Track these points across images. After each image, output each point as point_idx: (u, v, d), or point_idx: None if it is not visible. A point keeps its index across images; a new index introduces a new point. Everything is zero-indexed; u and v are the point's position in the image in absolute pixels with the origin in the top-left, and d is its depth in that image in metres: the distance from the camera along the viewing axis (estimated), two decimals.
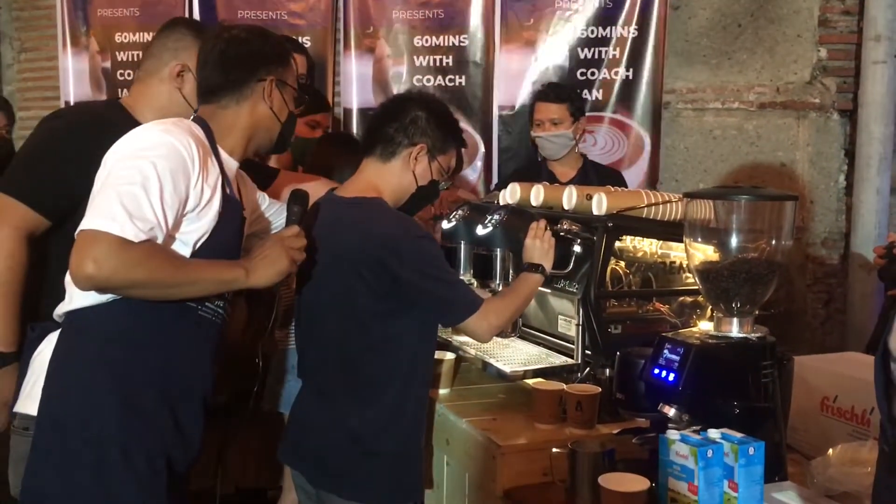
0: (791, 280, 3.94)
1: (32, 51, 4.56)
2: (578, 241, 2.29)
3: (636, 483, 1.65)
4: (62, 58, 4.26)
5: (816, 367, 2.14)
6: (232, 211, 1.80)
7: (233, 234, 1.82)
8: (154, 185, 1.62)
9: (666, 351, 1.77)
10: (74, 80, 4.26)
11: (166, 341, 1.75)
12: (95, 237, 1.57)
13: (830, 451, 1.72)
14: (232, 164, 1.87)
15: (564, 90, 3.37)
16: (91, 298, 1.69)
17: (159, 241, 1.64)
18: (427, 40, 4.02)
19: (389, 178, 2.08)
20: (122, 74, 4.22)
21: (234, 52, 1.87)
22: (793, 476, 1.84)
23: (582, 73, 3.95)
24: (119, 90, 4.22)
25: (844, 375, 2.05)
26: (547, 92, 3.36)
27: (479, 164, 4.02)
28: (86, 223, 1.59)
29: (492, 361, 2.37)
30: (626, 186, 3.53)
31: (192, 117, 1.87)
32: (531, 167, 3.51)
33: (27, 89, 4.58)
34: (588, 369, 2.27)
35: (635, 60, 3.89)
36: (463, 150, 3.47)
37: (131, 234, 1.57)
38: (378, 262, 1.93)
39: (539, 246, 2.21)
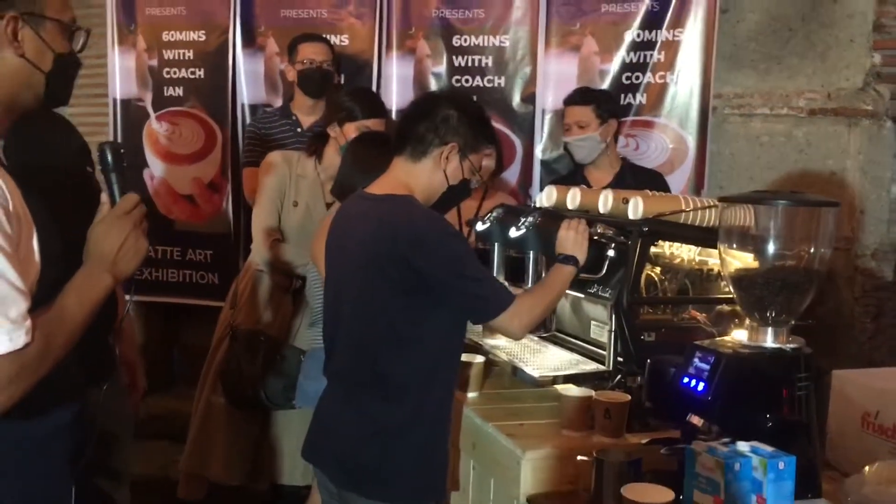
0: (838, 292, 3.82)
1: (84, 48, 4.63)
2: (613, 245, 2.25)
3: (660, 494, 1.60)
4: (110, 56, 4.33)
5: (857, 382, 2.06)
6: (35, 206, 1.41)
7: (52, 232, 1.44)
8: None
9: (696, 360, 1.72)
10: (121, 78, 4.33)
11: None
12: None
13: (867, 468, 1.64)
14: None
15: (591, 92, 3.34)
16: None
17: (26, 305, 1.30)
18: (466, 40, 3.99)
19: (420, 176, 2.06)
20: (168, 73, 4.28)
21: None
22: (829, 494, 1.77)
23: (627, 78, 3.88)
24: (165, 88, 4.28)
25: (886, 391, 1.96)
26: (573, 95, 3.34)
27: (517, 167, 3.98)
28: None
29: (521, 366, 2.34)
30: (668, 187, 3.47)
31: None
32: (572, 175, 3.47)
33: (77, 87, 4.61)
34: (619, 377, 2.22)
35: (682, 64, 3.81)
36: (502, 153, 3.49)
37: (7, 342, 1.27)
38: (404, 260, 1.91)
39: (573, 237, 2.17)
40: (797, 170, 3.78)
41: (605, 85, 3.82)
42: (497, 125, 3.71)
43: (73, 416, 1.47)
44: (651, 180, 3.31)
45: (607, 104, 3.34)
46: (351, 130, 3.10)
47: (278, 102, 4.07)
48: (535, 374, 2.26)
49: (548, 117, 3.95)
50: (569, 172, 3.58)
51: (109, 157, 1.50)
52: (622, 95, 3.83)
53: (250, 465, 3.32)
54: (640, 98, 3.87)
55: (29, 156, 1.49)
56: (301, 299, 3.16)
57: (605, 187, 3.17)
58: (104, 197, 1.50)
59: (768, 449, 1.55)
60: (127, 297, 1.95)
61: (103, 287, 1.44)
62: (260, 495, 3.47)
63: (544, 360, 2.43)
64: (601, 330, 2.37)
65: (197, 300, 4.28)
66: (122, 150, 1.53)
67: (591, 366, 2.33)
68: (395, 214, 1.97)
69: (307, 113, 3.71)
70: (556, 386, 2.23)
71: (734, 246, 1.77)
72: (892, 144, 3.71)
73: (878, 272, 3.75)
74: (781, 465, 1.52)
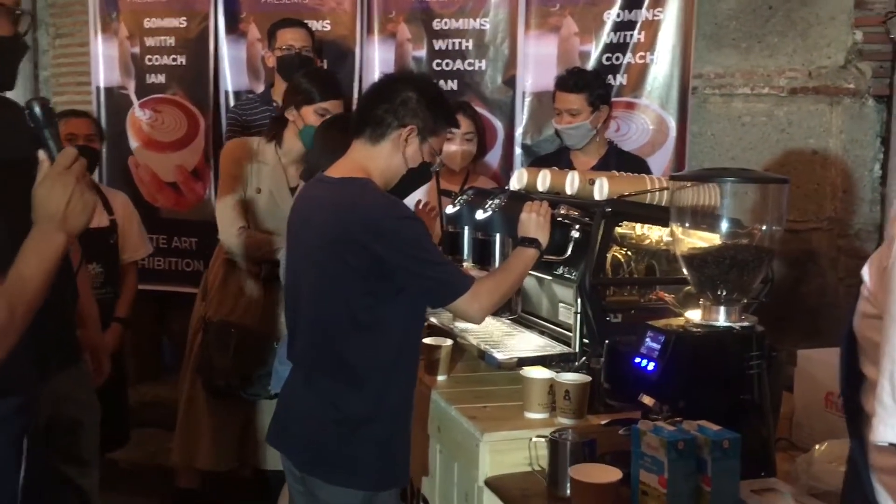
0: (822, 273, 3.81)
1: (66, 36, 4.63)
2: (577, 226, 2.23)
3: (608, 474, 1.60)
4: (93, 43, 4.32)
5: (821, 361, 2.06)
6: None
7: (2, 220, 1.48)
8: None
9: (648, 339, 1.72)
10: (105, 65, 4.33)
11: None
12: None
13: (816, 447, 1.64)
14: None
15: (583, 78, 3.28)
16: None
17: None
18: (446, 23, 3.97)
19: (378, 159, 2.05)
20: (150, 60, 4.27)
21: None
22: (788, 473, 1.77)
23: (608, 59, 3.86)
24: (147, 75, 4.28)
25: None
26: (566, 80, 3.28)
27: (499, 150, 3.96)
28: None
29: (488, 349, 2.33)
30: (650, 174, 3.44)
31: None
32: (555, 154, 3.45)
33: (61, 74, 4.66)
34: (584, 358, 2.21)
35: (662, 44, 3.78)
36: (484, 136, 3.48)
37: None
38: (360, 244, 1.91)
39: (535, 220, 2.15)
40: (779, 150, 3.76)
41: (586, 66, 3.79)
42: (478, 108, 3.69)
43: (18, 405, 1.46)
44: (634, 166, 3.28)
45: (599, 89, 3.27)
46: (309, 113, 3.07)
47: (261, 89, 4.06)
48: (501, 356, 2.26)
49: (528, 100, 3.93)
50: (555, 150, 3.55)
51: (39, 113, 1.47)
52: (603, 77, 3.80)
53: (237, 451, 3.33)
54: (621, 79, 3.85)
55: None
56: (273, 286, 3.16)
57: (589, 170, 3.17)
58: (42, 154, 1.48)
59: (714, 428, 1.55)
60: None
61: (58, 246, 1.44)
62: (252, 481, 3.49)
63: (514, 343, 2.42)
64: (568, 312, 2.36)
65: (184, 287, 4.28)
66: (50, 105, 1.50)
67: (558, 348, 2.33)
68: (351, 199, 1.96)
69: None
70: (521, 368, 2.22)
71: (686, 225, 1.76)
72: (874, 123, 3.68)
73: (862, 252, 3.73)
74: (726, 444, 1.51)
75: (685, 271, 1.79)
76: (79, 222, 1.46)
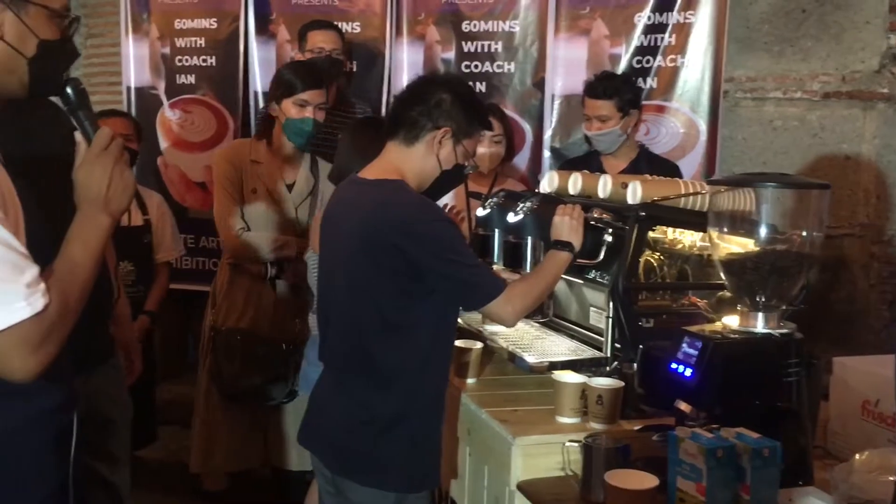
0: (853, 279, 3.76)
1: (98, 37, 4.67)
2: (610, 230, 2.22)
3: (644, 480, 1.59)
4: (124, 44, 4.35)
5: (858, 369, 2.03)
6: (24, 192, 1.42)
7: (40, 220, 1.44)
8: None
9: (685, 345, 1.70)
10: (135, 65, 4.36)
11: None
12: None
13: (857, 456, 1.62)
14: None
15: (612, 84, 3.25)
16: None
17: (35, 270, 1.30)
18: (476, 26, 3.96)
19: (412, 161, 2.05)
20: (180, 60, 4.30)
21: None
22: (825, 482, 1.74)
23: (638, 62, 3.84)
24: (177, 76, 4.30)
25: (887, 379, 1.92)
26: (594, 87, 3.25)
27: (527, 153, 3.95)
28: None
29: (519, 353, 2.32)
30: (681, 178, 3.41)
31: None
32: (585, 158, 3.43)
33: (92, 74, 4.69)
34: (616, 363, 2.20)
35: (693, 48, 3.76)
36: (513, 138, 3.47)
37: (27, 308, 1.28)
38: (394, 246, 1.90)
39: (568, 223, 2.14)
40: (811, 154, 3.72)
41: (616, 69, 3.77)
42: (506, 110, 3.68)
43: (59, 401, 1.47)
44: (665, 170, 3.25)
45: (629, 94, 3.24)
46: (289, 107, 3.07)
47: None
48: (532, 360, 2.25)
49: (557, 103, 3.92)
50: (585, 154, 3.54)
51: (72, 95, 1.45)
52: (633, 80, 3.78)
53: (256, 453, 3.34)
54: (651, 82, 3.82)
55: (12, 143, 1.49)
56: (284, 288, 3.17)
57: (619, 173, 3.15)
58: (78, 136, 1.46)
59: (753, 436, 1.53)
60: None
61: (103, 228, 1.43)
62: (274, 481, 3.50)
63: (545, 346, 2.41)
64: (600, 316, 2.34)
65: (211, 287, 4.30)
66: (82, 86, 1.47)
67: (589, 352, 2.32)
68: (386, 200, 1.96)
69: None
70: (551, 372, 2.21)
71: (724, 230, 1.74)
72: None
73: (895, 259, 3.68)
74: (766, 453, 1.49)
75: (723, 276, 1.77)
76: (121, 203, 1.45)
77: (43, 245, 1.40)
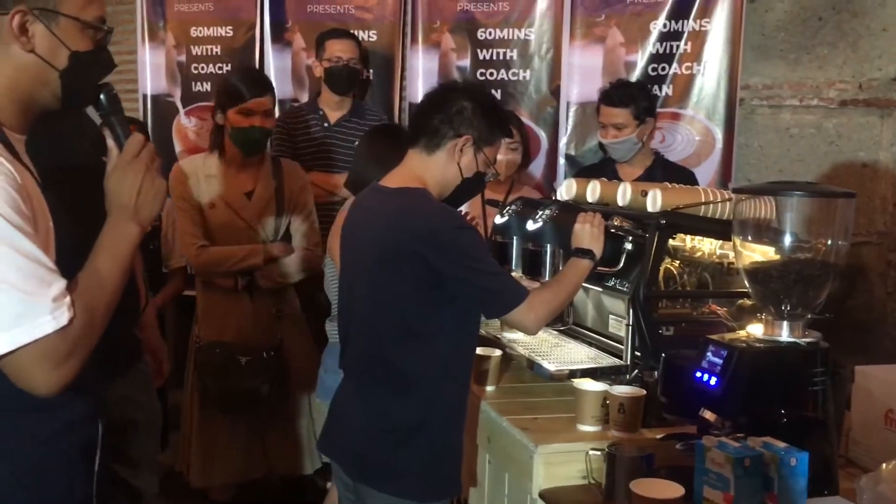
0: (871, 287, 3.74)
1: (114, 44, 4.58)
2: (630, 238, 2.22)
3: (670, 490, 1.58)
4: (140, 51, 4.36)
5: (881, 378, 2.02)
6: (53, 203, 1.40)
7: (70, 231, 1.43)
8: (12, 233, 1.24)
9: (709, 354, 1.70)
10: (151, 73, 4.37)
11: None
12: (20, 360, 1.26)
13: (884, 465, 1.61)
14: (18, 139, 1.41)
15: (628, 92, 3.25)
16: None
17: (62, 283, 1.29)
18: (491, 33, 3.97)
19: (434, 169, 2.05)
20: (196, 68, 4.31)
21: None
22: (848, 491, 1.74)
23: (653, 69, 3.84)
24: (193, 84, 4.32)
25: None
26: (610, 94, 3.25)
27: (542, 160, 3.95)
28: None
29: (538, 360, 2.32)
30: (697, 185, 3.41)
31: None
32: (600, 165, 3.43)
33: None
34: (636, 371, 2.19)
35: (709, 55, 3.76)
36: (528, 146, 3.47)
37: (52, 322, 1.26)
38: (417, 254, 1.91)
39: (588, 230, 2.14)
40: (828, 162, 3.71)
41: (631, 77, 3.77)
42: (522, 118, 3.69)
43: (85, 412, 1.46)
44: (681, 177, 3.24)
45: (644, 101, 3.24)
46: (235, 116, 3.08)
47: (305, 97, 4.09)
48: (552, 368, 2.25)
49: (573, 110, 3.92)
50: (600, 161, 3.54)
51: (105, 101, 1.45)
52: (648, 88, 3.78)
53: (257, 462, 3.34)
54: (667, 89, 3.82)
55: (43, 154, 1.50)
56: (259, 295, 3.19)
57: (634, 181, 3.15)
58: (110, 142, 1.45)
59: (781, 445, 1.52)
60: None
61: (131, 237, 1.42)
62: (282, 488, 3.50)
63: (563, 354, 2.41)
64: (619, 324, 2.34)
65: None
66: (114, 92, 1.47)
67: (609, 360, 2.31)
68: (408, 208, 1.96)
69: (334, 108, 3.74)
70: (572, 380, 2.21)
71: (749, 238, 1.74)
72: None
73: None
74: (793, 462, 1.49)
75: (747, 285, 1.76)
76: (151, 211, 1.44)
77: (74, 255, 1.39)
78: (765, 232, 1.70)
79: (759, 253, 1.79)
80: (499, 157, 3.22)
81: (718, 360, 1.66)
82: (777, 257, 1.74)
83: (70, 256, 1.37)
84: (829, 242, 1.67)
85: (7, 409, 1.34)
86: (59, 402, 1.35)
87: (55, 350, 1.27)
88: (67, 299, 1.28)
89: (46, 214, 1.36)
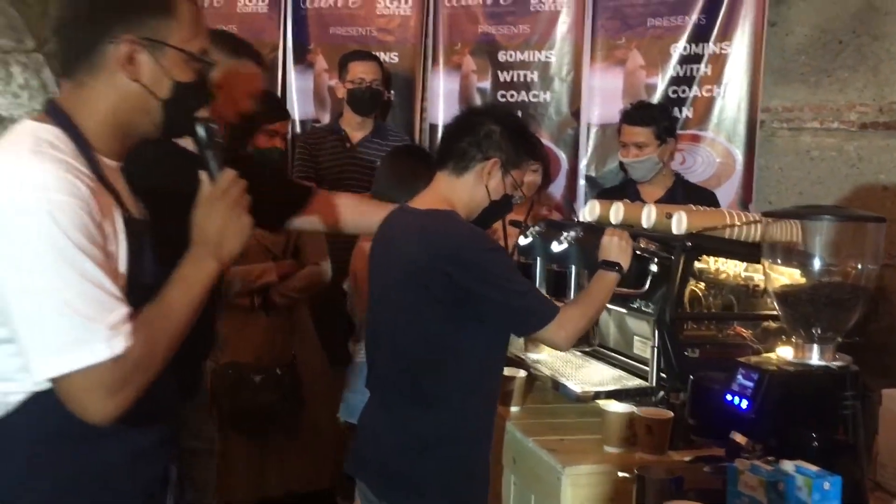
0: (893, 311, 3.73)
1: None
2: (656, 260, 2.23)
3: None
4: None
5: None
6: (138, 234, 1.40)
7: (150, 262, 1.42)
8: (77, 256, 1.24)
9: (740, 376, 1.70)
10: None
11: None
12: (73, 385, 1.25)
13: None
14: (112, 165, 1.41)
15: (650, 112, 3.29)
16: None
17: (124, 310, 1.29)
18: (511, 56, 4.01)
19: (462, 192, 2.07)
20: None
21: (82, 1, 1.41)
22: None
23: (674, 91, 3.86)
24: None
25: None
26: (632, 114, 3.29)
27: (562, 182, 3.97)
28: (47, 366, 1.24)
29: (564, 381, 2.33)
30: (719, 206, 3.42)
31: (46, 108, 1.40)
32: (622, 187, 3.45)
33: None
34: (662, 393, 2.20)
35: (729, 78, 3.78)
36: (549, 167, 3.49)
37: (106, 350, 1.25)
38: (446, 274, 1.92)
39: (616, 243, 2.15)
40: (848, 185, 3.71)
41: (652, 99, 3.80)
42: (542, 139, 3.71)
43: (162, 436, 1.45)
44: (703, 199, 3.26)
45: (666, 122, 3.29)
46: (258, 135, 3.13)
47: (326, 118, 4.13)
48: (577, 389, 2.26)
49: (593, 132, 3.95)
50: (621, 183, 3.56)
51: (203, 134, 1.46)
52: (669, 110, 3.80)
53: (274, 480, 3.35)
54: (687, 112, 3.84)
55: (139, 178, 1.50)
56: (273, 313, 3.22)
57: (657, 202, 3.16)
58: (203, 175, 1.45)
59: (813, 469, 1.52)
60: None
61: (208, 273, 1.41)
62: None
63: (587, 375, 2.42)
64: (644, 345, 2.35)
65: None
66: (214, 126, 1.47)
67: (633, 381, 2.32)
68: (437, 229, 1.98)
69: (356, 129, 3.77)
70: (597, 401, 2.22)
71: (778, 261, 1.74)
72: None
73: None
74: (826, 486, 1.48)
75: (777, 308, 1.77)
76: (232, 249, 1.43)
77: (154, 284, 1.38)
78: (795, 255, 1.71)
79: (786, 276, 1.80)
80: (526, 178, 3.27)
81: (749, 383, 1.66)
82: (803, 280, 1.74)
83: (151, 284, 1.37)
84: (860, 266, 1.68)
85: (72, 436, 1.33)
86: (124, 430, 1.34)
87: (109, 378, 1.25)
88: (126, 327, 1.27)
89: (121, 241, 1.35)
